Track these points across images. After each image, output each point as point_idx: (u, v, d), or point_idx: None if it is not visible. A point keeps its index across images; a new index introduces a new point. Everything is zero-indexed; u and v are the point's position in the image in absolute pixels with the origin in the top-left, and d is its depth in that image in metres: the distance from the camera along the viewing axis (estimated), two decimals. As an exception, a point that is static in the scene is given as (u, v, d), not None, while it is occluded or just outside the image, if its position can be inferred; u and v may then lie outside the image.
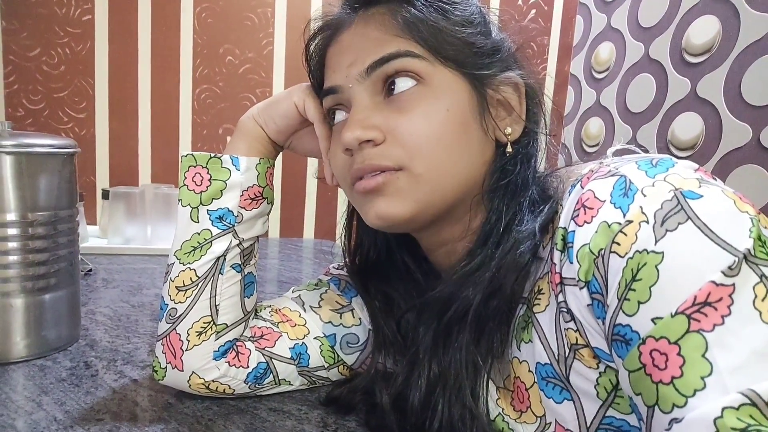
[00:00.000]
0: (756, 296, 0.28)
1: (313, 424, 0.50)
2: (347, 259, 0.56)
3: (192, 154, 0.50)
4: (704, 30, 1.14)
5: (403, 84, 0.42)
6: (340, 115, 0.47)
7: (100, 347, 0.66)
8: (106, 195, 1.20)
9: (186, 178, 0.50)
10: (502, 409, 0.44)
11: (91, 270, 1.00)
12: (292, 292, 0.59)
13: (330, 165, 0.49)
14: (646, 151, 0.39)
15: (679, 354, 0.28)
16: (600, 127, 1.48)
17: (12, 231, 0.58)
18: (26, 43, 1.29)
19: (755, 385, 0.26)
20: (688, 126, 1.17)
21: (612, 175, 0.35)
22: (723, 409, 0.26)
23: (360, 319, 0.55)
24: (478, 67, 0.43)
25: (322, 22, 0.48)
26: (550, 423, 0.40)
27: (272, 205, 0.54)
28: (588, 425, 0.38)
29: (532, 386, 0.41)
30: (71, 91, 1.33)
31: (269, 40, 1.41)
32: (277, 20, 1.41)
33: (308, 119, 0.50)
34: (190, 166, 0.50)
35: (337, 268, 0.61)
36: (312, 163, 1.46)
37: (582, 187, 0.36)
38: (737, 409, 0.26)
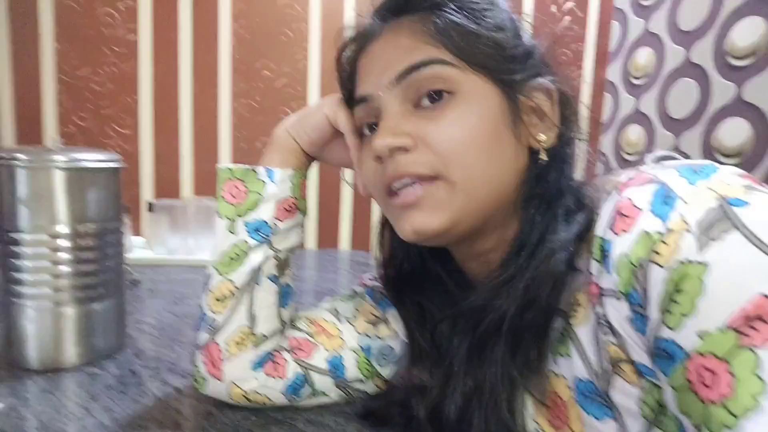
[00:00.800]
0: None
1: (349, 436, 0.50)
2: (381, 271, 0.57)
3: (228, 167, 0.52)
4: (749, 32, 1.09)
5: (434, 96, 0.42)
6: (369, 128, 0.48)
7: (146, 356, 0.68)
8: (151, 207, 1.25)
9: (223, 190, 0.52)
10: (539, 425, 0.43)
11: (136, 280, 1.03)
12: (327, 302, 0.59)
13: (361, 175, 0.50)
14: (688, 158, 0.38)
15: (728, 371, 0.27)
16: (639, 134, 1.44)
17: (63, 243, 0.61)
18: (75, 63, 1.36)
19: None
20: (734, 132, 1.13)
21: (651, 183, 0.34)
22: None
23: (395, 330, 0.55)
24: (509, 72, 0.43)
25: (352, 32, 0.49)
26: None
27: (306, 216, 0.55)
28: None
29: (570, 402, 0.40)
30: (118, 109, 1.39)
31: (304, 55, 1.44)
32: (311, 35, 1.44)
33: (340, 130, 0.51)
34: (226, 179, 0.52)
35: (371, 279, 0.61)
36: (348, 174, 1.47)
37: (619, 195, 0.35)
38: None
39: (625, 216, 0.34)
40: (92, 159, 0.63)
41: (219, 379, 0.51)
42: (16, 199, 0.60)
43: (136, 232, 1.35)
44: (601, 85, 1.60)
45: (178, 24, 1.39)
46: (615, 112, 1.55)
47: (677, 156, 0.41)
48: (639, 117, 1.45)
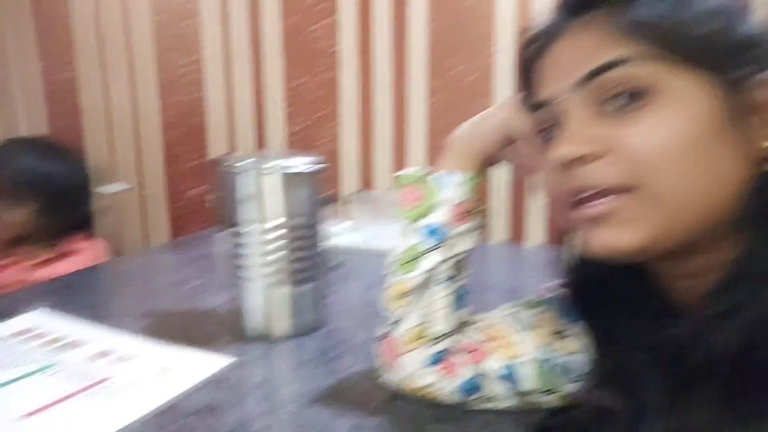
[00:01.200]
0: None
1: (521, 447, 0.49)
2: (568, 278, 0.53)
3: (406, 174, 0.55)
4: None
5: (627, 100, 0.37)
6: (551, 132, 0.45)
7: (342, 334, 0.77)
8: (352, 198, 1.39)
9: (401, 195, 0.55)
10: None
11: (339, 264, 1.16)
12: (507, 308, 0.58)
13: (543, 182, 0.47)
14: None
15: None
16: None
17: (277, 234, 0.72)
18: (295, 73, 1.57)
19: None
20: None
21: None
22: None
23: (580, 346, 0.52)
24: (728, 67, 0.36)
25: (533, 32, 0.46)
26: None
27: (484, 219, 0.55)
28: None
29: None
30: (328, 113, 1.57)
31: (493, 50, 1.41)
32: (499, 31, 1.40)
33: (517, 135, 0.50)
34: (404, 185, 0.55)
35: (557, 286, 0.57)
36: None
37: None
38: None
39: None
40: (300, 163, 0.73)
41: (395, 371, 0.54)
42: (241, 198, 0.73)
43: (341, 219, 1.50)
44: None
45: (376, 32, 1.50)
46: None
47: None
48: None
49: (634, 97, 0.37)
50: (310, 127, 1.59)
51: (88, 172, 1.26)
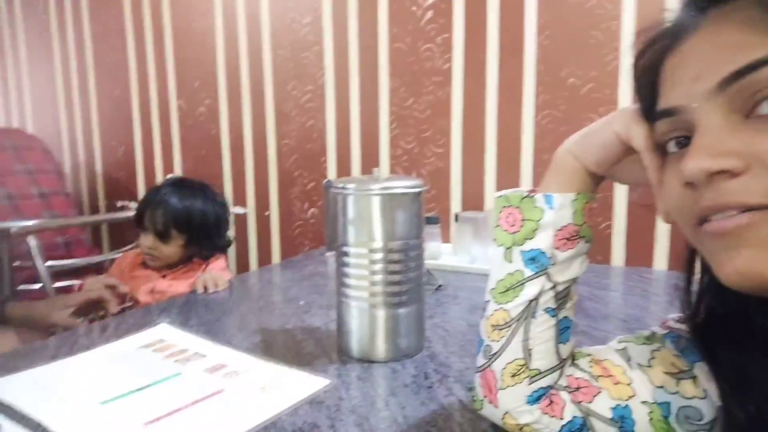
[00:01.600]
0: None
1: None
2: (693, 309, 0.46)
3: (505, 195, 0.52)
4: None
5: None
6: (676, 144, 0.40)
7: (438, 361, 0.75)
8: (456, 218, 1.37)
9: (500, 218, 0.52)
10: None
11: (441, 285, 1.14)
12: (618, 342, 0.53)
13: (663, 200, 0.42)
14: None
15: None
16: None
17: (378, 255, 0.73)
18: (403, 95, 1.60)
19: None
20: None
21: None
22: None
23: (705, 391, 0.45)
24: None
25: (656, 30, 0.41)
26: None
27: (591, 244, 0.51)
28: None
29: None
30: (434, 131, 1.57)
31: (614, 55, 1.32)
32: (623, 33, 1.30)
33: (634, 148, 0.44)
34: (503, 207, 0.52)
35: (677, 321, 0.51)
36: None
37: None
38: None
39: None
40: (399, 186, 0.73)
41: (495, 406, 0.52)
42: (346, 219, 0.75)
43: (445, 239, 1.49)
44: None
45: (487, 47, 1.47)
46: None
47: None
48: None
49: None
50: (417, 147, 1.60)
51: (224, 204, 1.46)
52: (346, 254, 0.75)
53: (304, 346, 0.81)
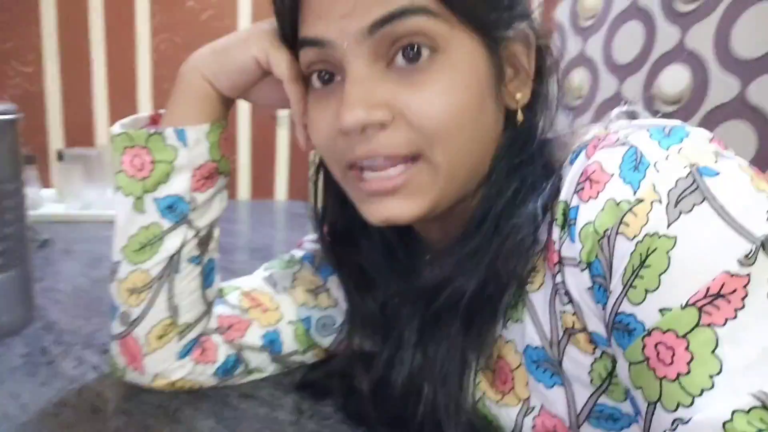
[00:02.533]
0: None
1: (286, 410, 0.47)
2: (319, 231, 0.51)
3: (126, 132, 0.43)
4: (695, -25, 1.08)
5: (415, 56, 0.35)
6: (319, 78, 0.39)
7: (57, 330, 0.62)
8: (60, 156, 1.14)
9: (123, 162, 0.43)
10: (483, 393, 0.42)
11: (47, 240, 0.94)
12: (264, 270, 0.54)
13: (306, 130, 0.42)
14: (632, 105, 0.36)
15: (686, 349, 0.26)
16: (583, 79, 1.43)
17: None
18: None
19: (767, 387, 0.24)
20: (675, 79, 1.13)
21: (621, 145, 0.31)
22: (733, 412, 0.24)
23: (336, 300, 0.52)
24: (495, 25, 0.37)
25: None
26: (535, 407, 0.38)
27: (229, 176, 0.48)
28: (578, 411, 0.36)
29: (518, 368, 0.39)
30: (18, 44, 1.22)
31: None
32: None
33: (276, 76, 0.42)
34: (126, 147, 0.43)
35: (311, 242, 0.56)
36: (284, 115, 1.38)
37: (587, 158, 0.33)
38: (747, 412, 0.24)
39: (593, 181, 0.31)
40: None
41: (141, 372, 0.46)
42: None
43: (45, 184, 1.22)
44: (550, 26, 1.57)
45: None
46: (561, 55, 1.52)
47: (640, 112, 0.38)
48: (584, 60, 1.43)
49: (418, 52, 0.35)
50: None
51: None
52: None
53: None
